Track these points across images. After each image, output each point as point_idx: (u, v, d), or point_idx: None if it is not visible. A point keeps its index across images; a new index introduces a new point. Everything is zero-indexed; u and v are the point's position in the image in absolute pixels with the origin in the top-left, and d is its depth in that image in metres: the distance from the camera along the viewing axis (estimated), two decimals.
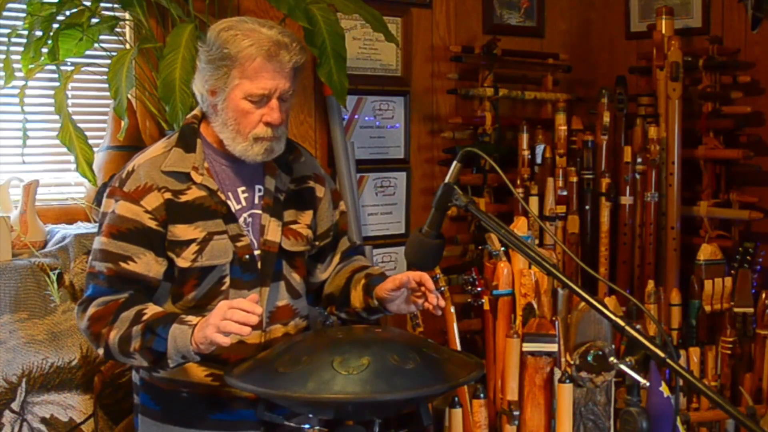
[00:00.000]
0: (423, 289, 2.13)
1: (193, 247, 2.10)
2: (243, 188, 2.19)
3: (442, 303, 2.13)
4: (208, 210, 2.12)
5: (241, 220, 2.17)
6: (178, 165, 2.13)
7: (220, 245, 2.12)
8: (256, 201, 2.20)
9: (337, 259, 2.38)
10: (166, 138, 2.24)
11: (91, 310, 2.08)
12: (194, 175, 2.13)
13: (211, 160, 2.17)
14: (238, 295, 2.12)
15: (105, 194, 2.17)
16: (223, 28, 2.09)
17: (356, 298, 2.26)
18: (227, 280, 2.14)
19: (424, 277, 2.12)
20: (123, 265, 2.08)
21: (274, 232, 2.19)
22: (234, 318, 1.90)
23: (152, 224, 2.09)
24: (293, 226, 2.24)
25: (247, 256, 2.14)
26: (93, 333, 2.08)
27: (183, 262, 2.10)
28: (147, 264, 2.09)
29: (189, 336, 1.96)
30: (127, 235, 2.08)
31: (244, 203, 2.19)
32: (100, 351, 2.09)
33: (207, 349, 1.96)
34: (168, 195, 2.10)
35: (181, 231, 2.10)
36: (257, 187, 2.21)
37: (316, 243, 2.32)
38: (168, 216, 2.10)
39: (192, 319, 2.00)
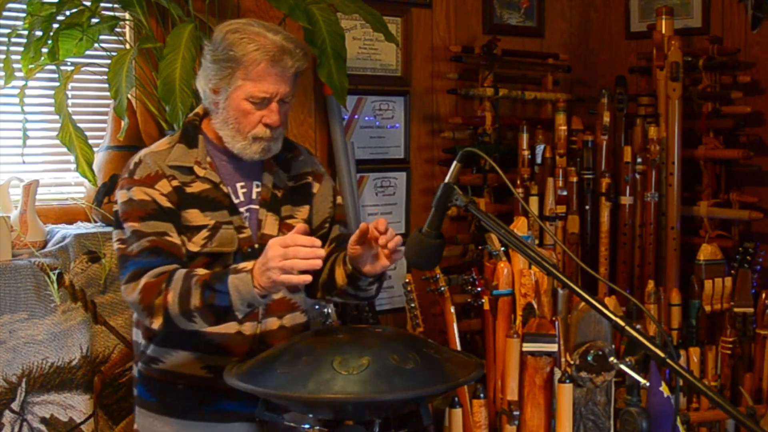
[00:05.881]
0: (381, 238, 2.08)
1: (204, 233, 2.14)
2: (242, 183, 2.24)
3: (395, 242, 2.09)
4: (213, 201, 2.17)
5: None
6: (181, 159, 2.18)
7: (228, 234, 2.17)
8: (254, 196, 2.24)
9: (329, 248, 2.38)
10: (168, 136, 2.29)
11: (144, 280, 2.06)
12: (197, 169, 2.18)
13: (212, 156, 2.22)
14: None
15: (117, 188, 2.20)
16: (230, 30, 2.13)
17: (340, 274, 2.27)
18: None
19: (379, 222, 2.08)
20: (164, 238, 2.10)
21: (271, 226, 2.23)
22: (299, 255, 1.91)
23: (169, 205, 2.13)
24: (289, 221, 2.27)
25: (248, 248, 2.18)
26: (145, 305, 2.05)
27: (193, 246, 2.14)
28: (179, 239, 2.12)
29: (250, 282, 1.97)
30: (153, 215, 2.12)
31: (242, 198, 2.23)
32: (156, 322, 2.04)
33: (275, 291, 1.98)
34: (176, 183, 2.15)
35: (192, 216, 2.15)
36: (255, 183, 2.25)
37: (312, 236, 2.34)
38: (180, 201, 2.14)
39: (246, 265, 2.01)
